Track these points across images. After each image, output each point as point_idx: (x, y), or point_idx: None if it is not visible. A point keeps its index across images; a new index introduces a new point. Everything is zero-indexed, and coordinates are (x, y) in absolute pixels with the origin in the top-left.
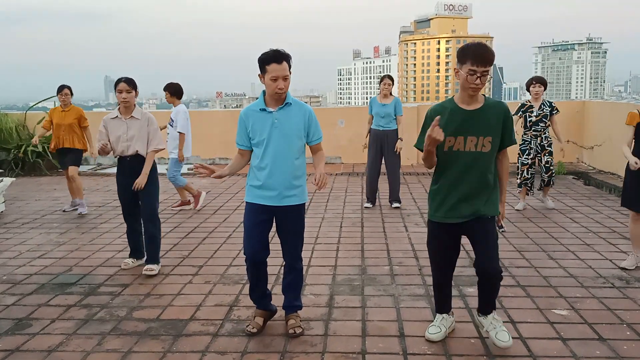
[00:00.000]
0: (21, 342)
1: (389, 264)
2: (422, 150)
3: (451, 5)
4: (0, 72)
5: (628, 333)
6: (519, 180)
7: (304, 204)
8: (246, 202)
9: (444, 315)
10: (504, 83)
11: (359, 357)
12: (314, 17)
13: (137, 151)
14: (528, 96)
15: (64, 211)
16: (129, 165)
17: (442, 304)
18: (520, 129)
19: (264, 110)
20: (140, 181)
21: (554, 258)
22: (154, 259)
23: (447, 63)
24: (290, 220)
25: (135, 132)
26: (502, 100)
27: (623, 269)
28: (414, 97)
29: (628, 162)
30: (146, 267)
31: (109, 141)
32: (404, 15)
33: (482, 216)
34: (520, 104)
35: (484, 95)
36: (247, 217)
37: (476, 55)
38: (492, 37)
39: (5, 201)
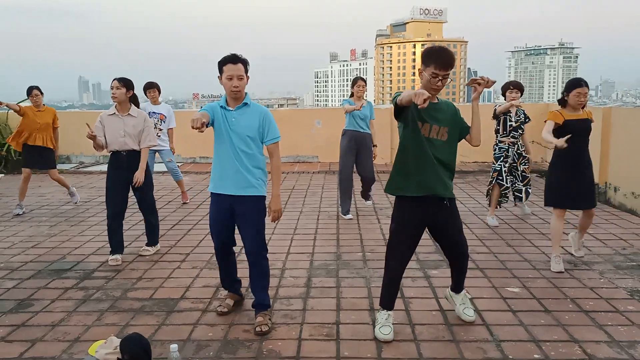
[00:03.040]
0: (26, 318)
1: (362, 251)
2: (395, 104)
3: (426, 9)
4: None
5: (570, 306)
6: (489, 186)
7: (264, 196)
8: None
9: (390, 312)
10: None
11: (334, 327)
12: (291, 19)
13: (132, 148)
14: (501, 100)
15: (75, 204)
16: (126, 160)
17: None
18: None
19: (224, 108)
20: (139, 176)
21: (511, 245)
22: (154, 241)
23: None
24: (248, 211)
25: (130, 129)
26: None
27: (559, 272)
28: (390, 100)
29: (553, 161)
30: (144, 247)
31: (104, 136)
32: (380, 19)
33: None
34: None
35: None
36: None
37: (439, 60)
38: (467, 41)
39: None
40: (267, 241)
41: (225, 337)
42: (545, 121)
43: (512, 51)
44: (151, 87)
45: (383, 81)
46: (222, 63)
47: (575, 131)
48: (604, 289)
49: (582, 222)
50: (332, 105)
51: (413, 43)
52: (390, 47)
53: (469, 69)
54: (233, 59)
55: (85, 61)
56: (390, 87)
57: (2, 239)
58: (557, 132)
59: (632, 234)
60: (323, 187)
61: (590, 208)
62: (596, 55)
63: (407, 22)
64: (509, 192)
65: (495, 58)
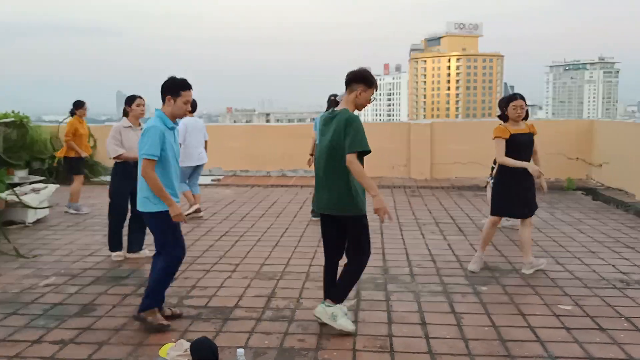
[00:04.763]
0: (90, 322)
1: (409, 265)
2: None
3: (462, 24)
4: (6, 82)
5: (625, 325)
6: None
7: (152, 212)
8: None
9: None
10: None
11: (387, 339)
12: (325, 34)
13: None
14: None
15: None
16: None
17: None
18: None
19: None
20: None
21: (560, 263)
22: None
23: (457, 81)
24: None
25: None
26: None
27: (472, 272)
28: (424, 115)
29: (498, 176)
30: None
31: None
32: (414, 33)
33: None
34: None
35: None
36: None
37: None
38: (503, 55)
39: (51, 206)
40: (313, 252)
41: (281, 345)
42: (493, 138)
43: (550, 66)
44: None
45: (417, 95)
46: (183, 88)
47: (521, 144)
48: None
49: (521, 233)
50: (365, 119)
51: (448, 57)
52: (425, 61)
53: (505, 83)
54: (190, 85)
55: (122, 77)
56: (425, 102)
57: (60, 247)
58: (506, 146)
59: None
60: None
61: (528, 217)
62: (639, 71)
63: (442, 37)
64: None
65: (533, 73)
